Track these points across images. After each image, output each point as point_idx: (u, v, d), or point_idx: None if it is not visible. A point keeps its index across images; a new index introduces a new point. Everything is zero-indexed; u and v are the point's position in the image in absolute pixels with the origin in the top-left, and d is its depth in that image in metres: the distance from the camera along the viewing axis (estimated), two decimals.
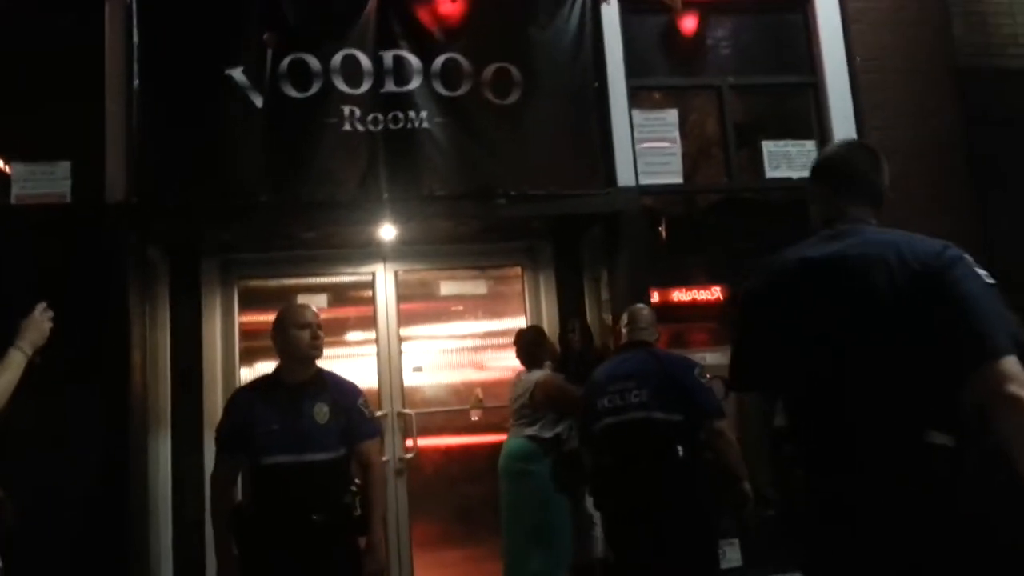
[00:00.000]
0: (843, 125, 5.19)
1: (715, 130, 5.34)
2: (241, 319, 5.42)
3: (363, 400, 3.43)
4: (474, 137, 4.88)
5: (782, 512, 2.18)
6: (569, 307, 5.52)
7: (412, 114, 4.83)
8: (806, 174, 5.47)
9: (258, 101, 4.73)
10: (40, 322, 2.75)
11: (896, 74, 5.28)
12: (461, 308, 5.72)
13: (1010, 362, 1.79)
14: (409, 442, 5.34)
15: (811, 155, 5.21)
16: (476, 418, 5.42)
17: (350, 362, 5.27)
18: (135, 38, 4.70)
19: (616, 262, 5.06)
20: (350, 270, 5.63)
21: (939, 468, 1.86)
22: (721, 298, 5.21)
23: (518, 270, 5.75)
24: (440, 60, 4.90)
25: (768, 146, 5.22)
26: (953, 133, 5.23)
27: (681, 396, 3.72)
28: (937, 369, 1.88)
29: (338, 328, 5.40)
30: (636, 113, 5.09)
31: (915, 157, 5.02)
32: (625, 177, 4.96)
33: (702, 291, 5.21)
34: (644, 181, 5.02)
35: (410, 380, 5.49)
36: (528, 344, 4.81)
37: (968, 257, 1.95)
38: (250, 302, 5.45)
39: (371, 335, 5.51)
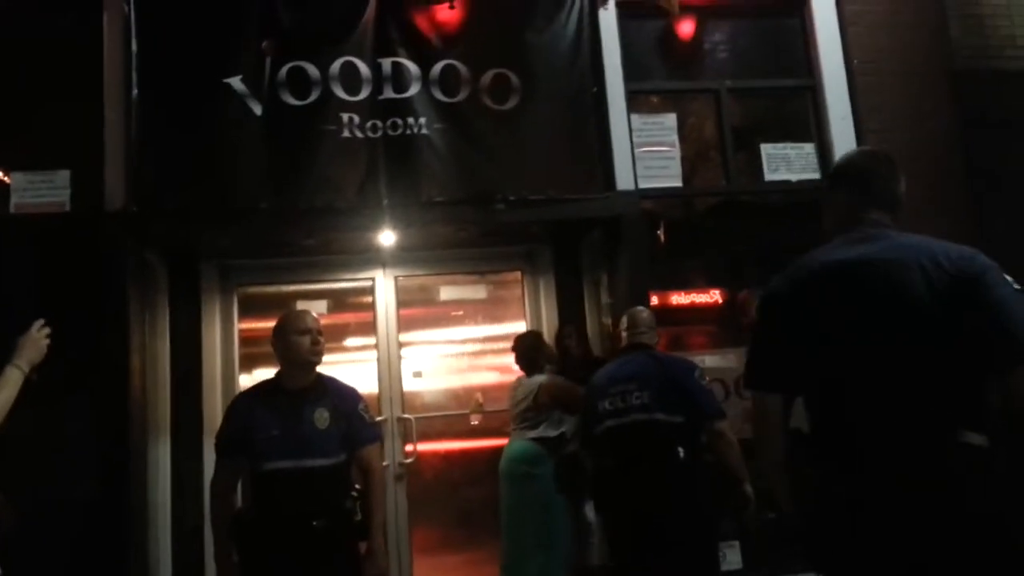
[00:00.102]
0: (841, 128, 5.20)
1: (713, 133, 5.34)
2: (240, 325, 5.42)
3: (363, 405, 3.43)
4: (473, 143, 4.89)
5: (798, 515, 2.16)
6: (569, 311, 5.52)
7: (411, 120, 4.84)
8: (805, 177, 5.53)
9: (257, 109, 4.74)
10: (37, 339, 2.75)
11: (893, 77, 5.29)
12: (461, 313, 5.72)
13: None
14: (409, 447, 5.34)
15: (809, 158, 5.23)
16: (476, 423, 5.42)
17: (350, 367, 5.28)
18: (134, 46, 4.71)
19: (616, 266, 5.06)
20: (350, 276, 5.63)
21: (974, 467, 1.91)
22: (720, 301, 5.22)
23: (518, 275, 5.76)
24: (438, 66, 4.91)
25: (766, 149, 5.23)
26: (950, 135, 5.23)
27: (682, 398, 3.74)
28: (969, 371, 1.94)
29: (338, 334, 5.41)
30: (635, 117, 5.10)
31: (912, 159, 4.98)
32: (624, 181, 4.97)
33: (701, 294, 5.21)
34: (643, 185, 5.02)
35: (410, 385, 5.49)
36: (527, 350, 4.83)
37: (996, 264, 2.02)
38: (249, 308, 5.46)
39: (371, 340, 5.51)
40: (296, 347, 3.29)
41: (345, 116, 4.78)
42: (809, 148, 5.26)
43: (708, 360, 4.80)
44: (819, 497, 2.09)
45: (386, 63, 4.88)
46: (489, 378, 5.55)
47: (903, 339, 1.99)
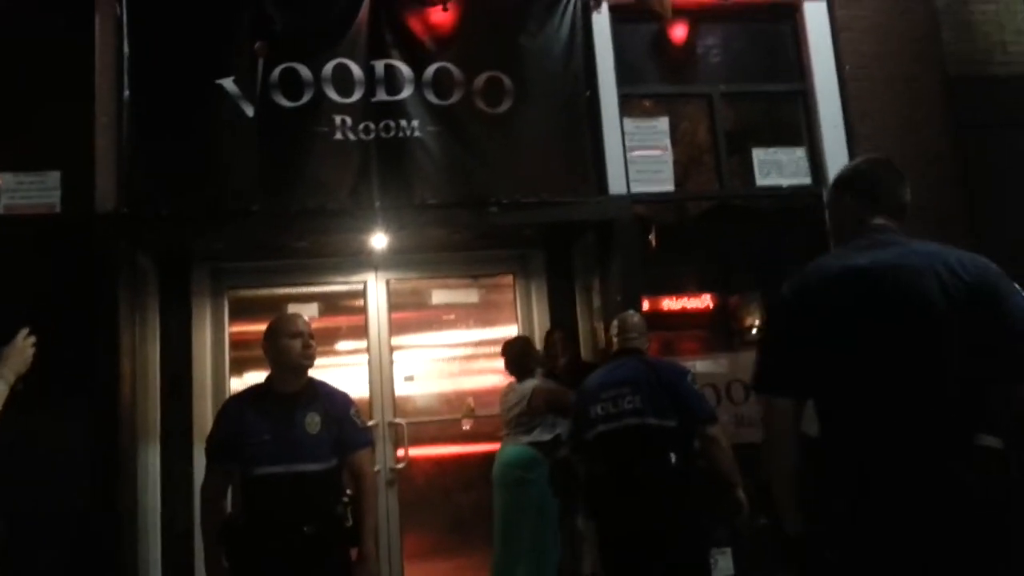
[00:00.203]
0: (833, 133, 5.22)
1: (706, 138, 5.36)
2: (231, 328, 5.40)
3: (355, 410, 3.41)
4: (466, 146, 4.89)
5: (806, 530, 2.15)
6: (561, 315, 5.52)
7: (404, 123, 4.83)
8: (796, 182, 5.53)
9: (249, 110, 4.72)
10: (22, 348, 2.72)
11: (885, 82, 5.31)
12: (453, 317, 5.71)
13: None
14: (400, 452, 5.32)
15: (801, 163, 5.24)
16: (468, 427, 5.40)
17: (341, 371, 5.27)
18: (125, 48, 4.70)
19: (608, 270, 5.06)
20: (341, 279, 5.61)
21: (991, 469, 1.93)
22: (712, 306, 5.22)
23: (510, 278, 5.75)
24: (431, 69, 4.91)
25: (758, 154, 5.25)
26: (942, 140, 5.25)
27: (674, 402, 3.72)
28: (985, 375, 1.98)
29: (329, 337, 5.38)
30: (627, 121, 5.11)
31: (904, 164, 4.98)
32: (616, 185, 4.97)
33: (693, 299, 5.22)
34: (635, 189, 5.03)
35: (401, 389, 5.47)
36: (517, 355, 4.83)
37: (1003, 272, 2.08)
38: (240, 311, 5.43)
39: (362, 344, 5.49)
40: (287, 351, 3.27)
41: (338, 118, 4.78)
42: (801, 153, 5.28)
43: (700, 365, 4.80)
44: (833, 504, 2.08)
45: (379, 65, 4.88)
46: (481, 382, 5.53)
47: (920, 344, 2.02)
